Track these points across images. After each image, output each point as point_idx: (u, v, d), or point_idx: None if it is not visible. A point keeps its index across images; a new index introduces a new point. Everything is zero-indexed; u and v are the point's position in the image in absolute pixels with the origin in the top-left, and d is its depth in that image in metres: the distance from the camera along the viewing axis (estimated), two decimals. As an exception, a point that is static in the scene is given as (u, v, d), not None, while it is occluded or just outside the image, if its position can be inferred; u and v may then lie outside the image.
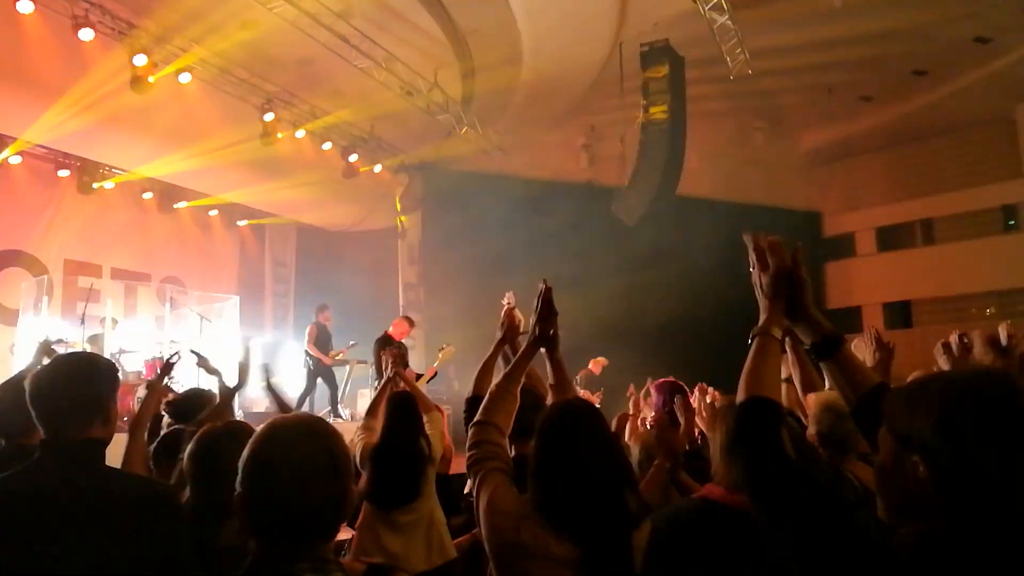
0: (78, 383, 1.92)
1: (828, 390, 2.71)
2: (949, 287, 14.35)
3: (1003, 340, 2.82)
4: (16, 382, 2.52)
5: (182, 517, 2.01)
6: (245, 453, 1.38)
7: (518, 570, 1.90)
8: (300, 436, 1.38)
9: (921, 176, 14.77)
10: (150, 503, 1.91)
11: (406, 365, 5.49)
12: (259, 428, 1.43)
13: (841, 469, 2.55)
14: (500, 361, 3.20)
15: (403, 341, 8.63)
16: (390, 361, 4.42)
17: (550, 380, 2.53)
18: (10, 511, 1.77)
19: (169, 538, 1.90)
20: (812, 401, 2.75)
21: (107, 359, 2.17)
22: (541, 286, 2.46)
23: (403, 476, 3.60)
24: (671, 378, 4.00)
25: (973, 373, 1.41)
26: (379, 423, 3.89)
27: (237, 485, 1.37)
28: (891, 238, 15.44)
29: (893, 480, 1.28)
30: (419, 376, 6.12)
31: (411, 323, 8.77)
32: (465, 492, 2.79)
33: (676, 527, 2.04)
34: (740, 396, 1.55)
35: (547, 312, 2.41)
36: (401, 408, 3.78)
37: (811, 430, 2.68)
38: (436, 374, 8.16)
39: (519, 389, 2.24)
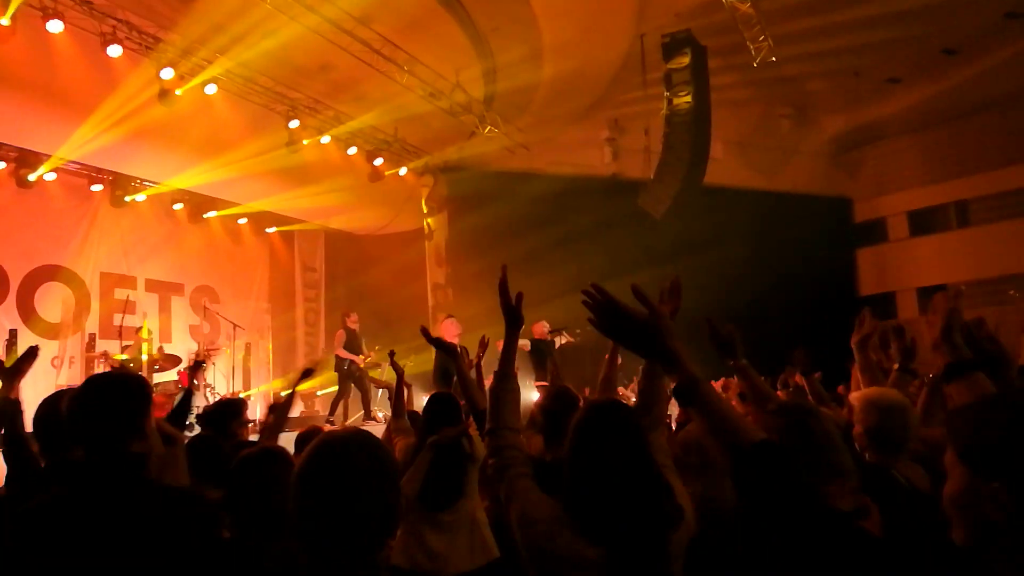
0: (110, 402, 1.96)
1: (876, 387, 2.67)
2: (985, 269, 14.04)
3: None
4: (57, 398, 2.57)
5: (218, 529, 2.05)
6: (298, 468, 1.41)
7: (554, 571, 1.88)
8: (350, 448, 1.42)
9: (953, 157, 14.47)
10: (189, 516, 1.95)
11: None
12: (310, 444, 1.46)
13: (887, 469, 2.43)
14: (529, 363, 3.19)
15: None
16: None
17: (600, 374, 2.50)
18: (55, 529, 1.81)
19: (205, 550, 1.93)
20: (856, 398, 2.67)
21: (138, 376, 2.21)
22: (503, 271, 2.43)
23: (448, 476, 3.60)
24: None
25: None
26: (405, 422, 3.90)
27: (290, 501, 1.39)
28: (924, 221, 15.15)
29: (970, 507, 1.24)
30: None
31: (458, 324, 8.73)
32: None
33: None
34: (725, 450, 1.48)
35: (505, 295, 2.35)
36: (441, 408, 3.79)
37: (857, 428, 2.58)
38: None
39: (516, 382, 2.22)
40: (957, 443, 1.26)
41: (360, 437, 1.46)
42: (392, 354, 4.73)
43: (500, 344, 2.32)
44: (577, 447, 1.94)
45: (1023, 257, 13.51)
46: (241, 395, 8.22)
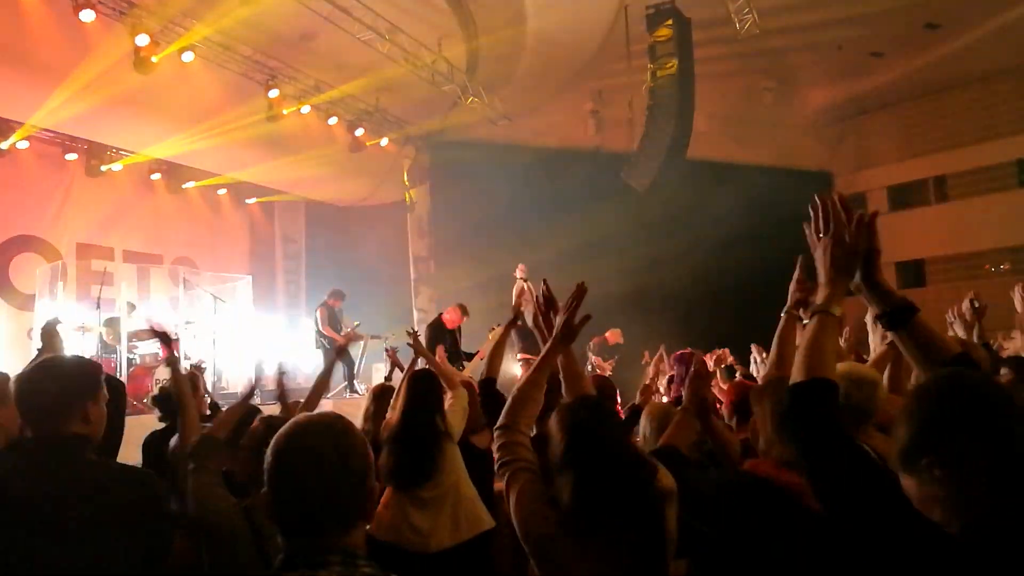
0: (56, 385, 2.04)
1: (848, 362, 2.71)
2: (963, 244, 14.23)
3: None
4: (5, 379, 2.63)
5: (164, 503, 2.13)
6: (267, 453, 1.45)
7: (555, 563, 1.90)
8: (313, 434, 1.45)
9: (934, 132, 14.58)
10: (133, 492, 2.03)
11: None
12: (280, 431, 1.49)
13: (858, 440, 2.52)
14: (514, 335, 3.20)
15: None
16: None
17: (561, 371, 2.50)
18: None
19: (151, 522, 2.02)
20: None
21: (89, 363, 2.28)
22: (582, 289, 2.41)
23: (418, 454, 3.62)
24: (688, 349, 4.00)
25: None
26: (400, 402, 3.92)
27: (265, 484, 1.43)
28: (903, 196, 15.28)
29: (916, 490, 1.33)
30: (469, 356, 6.15)
31: (465, 311, 8.69)
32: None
33: (719, 502, 2.03)
34: (799, 375, 1.52)
35: (576, 312, 2.38)
36: (418, 386, 3.80)
37: (781, 414, 2.64)
38: (484, 357, 8.20)
39: (543, 392, 2.22)
40: (917, 408, 1.35)
41: (325, 421, 1.49)
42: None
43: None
44: (566, 454, 1.92)
45: (1000, 232, 13.69)
46: (204, 365, 8.20)
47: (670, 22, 10.00)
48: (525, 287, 9.75)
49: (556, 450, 1.95)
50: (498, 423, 2.14)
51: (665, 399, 5.17)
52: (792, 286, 2.62)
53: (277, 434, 1.47)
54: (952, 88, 13.91)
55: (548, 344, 2.35)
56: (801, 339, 1.58)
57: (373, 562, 1.43)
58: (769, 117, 13.57)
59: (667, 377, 5.35)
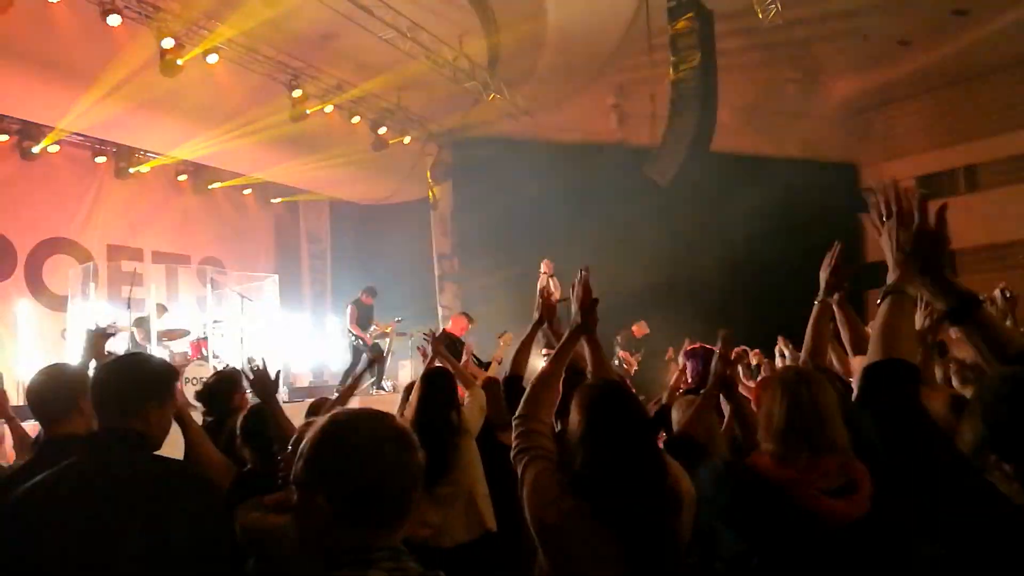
0: (126, 381, 2.09)
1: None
2: (996, 234, 13.94)
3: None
4: (58, 369, 2.66)
5: (218, 499, 2.13)
6: (313, 442, 1.38)
7: (563, 551, 1.91)
8: (364, 417, 1.42)
9: (963, 121, 14.30)
10: (185, 486, 2.04)
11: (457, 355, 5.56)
12: (320, 422, 1.43)
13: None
14: (540, 335, 3.21)
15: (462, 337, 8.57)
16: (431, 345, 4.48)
17: (588, 364, 2.49)
18: (54, 500, 1.88)
19: (202, 519, 2.00)
20: (857, 364, 2.69)
21: (164, 366, 2.31)
22: (583, 273, 2.41)
23: (432, 451, 3.62)
24: (698, 344, 3.96)
25: None
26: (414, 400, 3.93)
27: (314, 475, 1.36)
28: (933, 186, 14.99)
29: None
30: (486, 365, 6.15)
31: (469, 319, 8.72)
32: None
33: (715, 498, 2.03)
34: (876, 355, 1.49)
35: (587, 299, 2.38)
36: (432, 384, 3.82)
37: (856, 394, 2.60)
38: (501, 362, 8.17)
39: (560, 382, 2.22)
40: (984, 406, 1.29)
41: (367, 410, 1.47)
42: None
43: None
44: (581, 433, 1.95)
45: (1034, 221, 13.40)
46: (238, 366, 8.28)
47: (691, 14, 9.90)
48: (550, 284, 9.74)
49: (574, 427, 1.96)
50: (516, 413, 2.14)
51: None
52: (824, 273, 2.57)
53: (320, 425, 1.41)
54: (982, 75, 13.63)
55: (566, 335, 2.34)
56: (875, 321, 1.54)
57: (415, 557, 1.40)
58: (794, 108, 13.41)
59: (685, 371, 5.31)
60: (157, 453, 2.10)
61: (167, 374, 2.22)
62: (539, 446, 2.04)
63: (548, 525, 1.91)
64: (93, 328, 3.46)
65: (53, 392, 2.51)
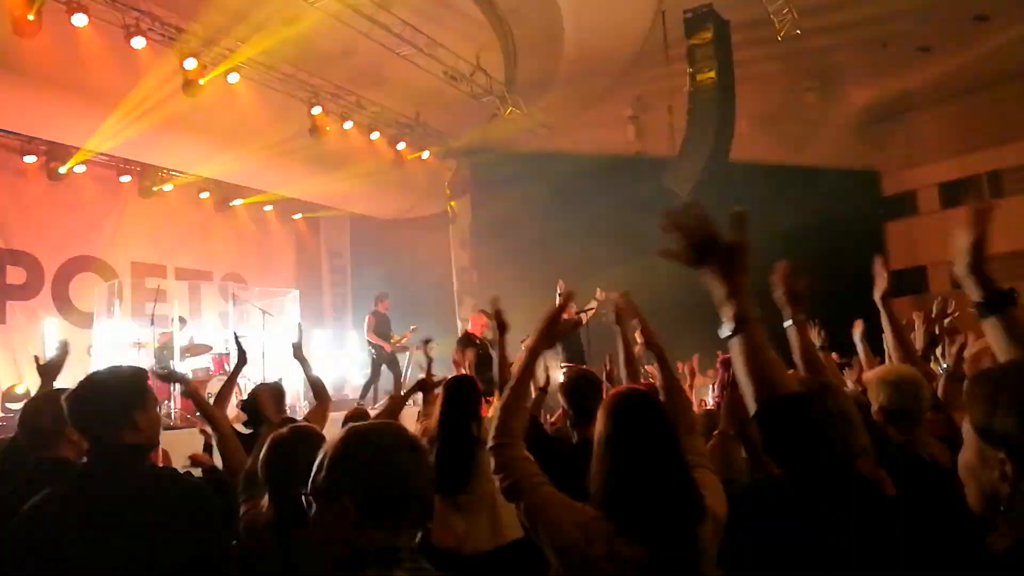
0: (102, 398, 2.07)
1: (887, 365, 2.65)
2: (1020, 241, 13.75)
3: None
4: (41, 399, 2.68)
5: (216, 510, 2.16)
6: (335, 450, 1.46)
7: (585, 567, 1.85)
8: (380, 427, 1.52)
9: (986, 127, 14.13)
10: (185, 498, 2.09)
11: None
12: (339, 433, 1.52)
13: (911, 445, 2.44)
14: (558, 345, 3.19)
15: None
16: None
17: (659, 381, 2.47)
18: (56, 523, 1.91)
19: (203, 528, 2.07)
20: (870, 378, 2.67)
21: (132, 372, 2.26)
22: (566, 296, 2.38)
23: (456, 460, 3.64)
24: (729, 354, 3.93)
25: None
26: (435, 408, 3.94)
27: (338, 480, 1.44)
28: (956, 194, 14.83)
29: (978, 474, 1.23)
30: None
31: (488, 315, 8.71)
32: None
33: (751, 508, 1.99)
34: (758, 398, 1.47)
35: (557, 316, 2.30)
36: (455, 393, 3.82)
37: (874, 407, 2.57)
38: None
39: (529, 400, 2.18)
40: (970, 408, 1.26)
41: (381, 421, 1.58)
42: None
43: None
44: (609, 442, 1.92)
45: (1059, 228, 13.19)
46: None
47: (708, 25, 9.92)
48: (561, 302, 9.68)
49: (599, 434, 1.94)
50: (492, 443, 2.06)
51: (709, 405, 5.10)
52: (778, 294, 2.46)
53: (340, 436, 1.50)
54: (1003, 82, 13.48)
55: (529, 347, 2.26)
56: (735, 363, 1.50)
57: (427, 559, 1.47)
58: (813, 117, 13.34)
59: (716, 382, 5.26)
60: (155, 463, 2.16)
61: (140, 377, 2.22)
62: (531, 474, 1.98)
63: (577, 556, 1.85)
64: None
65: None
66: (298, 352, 4.26)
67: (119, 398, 2.09)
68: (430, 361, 4.70)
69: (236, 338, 4.22)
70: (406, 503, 1.44)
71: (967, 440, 1.27)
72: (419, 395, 4.59)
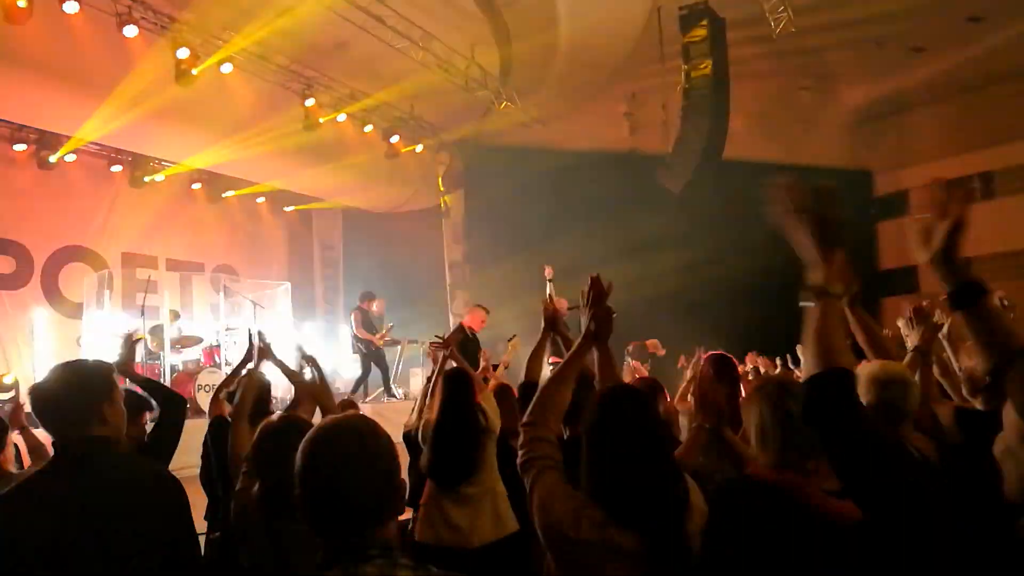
0: (68, 391, 2.07)
1: (877, 362, 2.66)
2: (1012, 242, 13.82)
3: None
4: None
5: (182, 498, 2.17)
6: (297, 456, 1.49)
7: (579, 564, 1.88)
8: (340, 436, 1.50)
9: (978, 128, 14.20)
10: (152, 486, 2.10)
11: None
12: (309, 432, 1.53)
13: (900, 440, 2.47)
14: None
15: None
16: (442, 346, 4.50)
17: (596, 373, 2.48)
18: (29, 513, 1.93)
19: (171, 517, 2.09)
20: (859, 376, 2.68)
21: (99, 365, 2.26)
22: (593, 281, 2.39)
23: (461, 451, 3.64)
24: (720, 351, 3.94)
25: None
26: (436, 401, 3.94)
27: (296, 486, 1.47)
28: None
29: (1020, 457, 1.23)
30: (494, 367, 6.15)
31: (486, 311, 8.68)
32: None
33: (726, 511, 2.00)
34: (814, 367, 1.46)
35: (599, 305, 2.35)
36: (456, 384, 3.82)
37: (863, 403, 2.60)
38: (508, 366, 8.13)
39: (570, 389, 2.20)
40: (1013, 393, 1.26)
41: (352, 423, 1.53)
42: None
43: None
44: (595, 435, 1.94)
45: (1049, 229, 13.29)
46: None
47: (704, 22, 9.92)
48: (553, 300, 9.70)
49: (587, 425, 1.96)
50: (524, 420, 2.11)
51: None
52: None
53: (306, 437, 1.51)
54: (997, 82, 13.54)
55: (577, 343, 2.32)
56: (806, 327, 1.49)
57: (407, 555, 1.46)
58: (806, 116, 13.37)
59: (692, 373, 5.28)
60: (129, 453, 2.18)
61: (107, 371, 2.22)
62: (546, 455, 2.02)
63: (565, 538, 1.88)
64: (127, 333, 3.59)
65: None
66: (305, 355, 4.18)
67: (87, 392, 2.09)
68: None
69: (250, 335, 4.15)
70: (369, 498, 1.45)
71: (1008, 424, 1.27)
72: (416, 388, 4.60)
